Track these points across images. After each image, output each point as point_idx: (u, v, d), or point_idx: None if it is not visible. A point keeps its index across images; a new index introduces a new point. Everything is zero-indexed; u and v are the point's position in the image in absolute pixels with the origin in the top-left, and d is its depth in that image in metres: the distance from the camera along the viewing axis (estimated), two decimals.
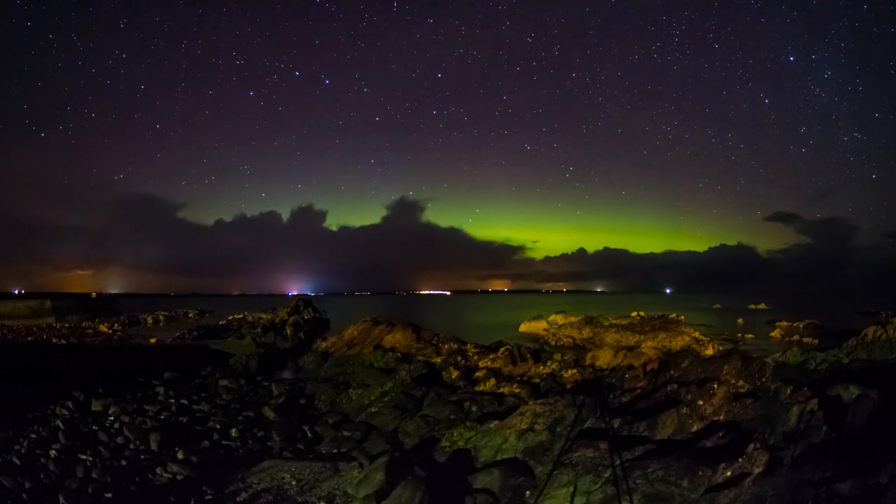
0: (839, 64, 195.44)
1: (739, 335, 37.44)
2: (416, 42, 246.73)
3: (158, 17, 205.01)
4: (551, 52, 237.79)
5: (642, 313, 40.60)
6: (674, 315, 40.08)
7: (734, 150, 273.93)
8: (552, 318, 42.03)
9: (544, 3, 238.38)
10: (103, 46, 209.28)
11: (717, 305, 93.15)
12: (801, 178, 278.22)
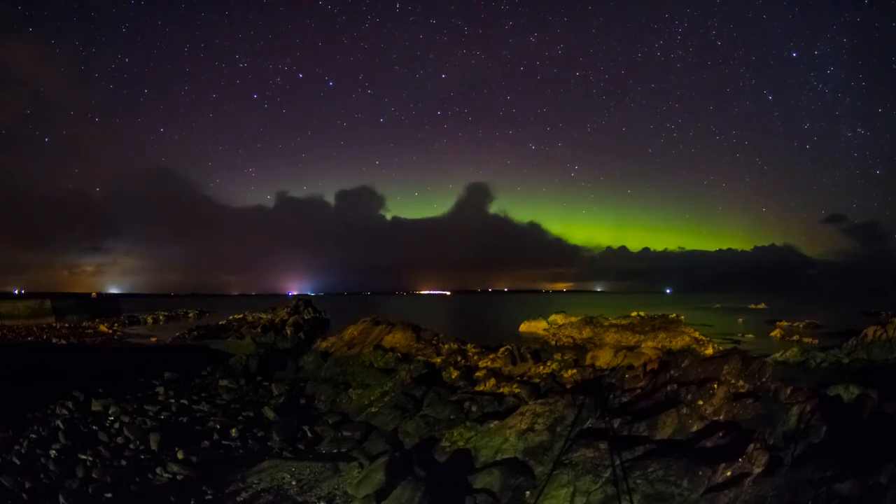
0: (841, 59, 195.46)
1: (739, 335, 37.43)
2: (419, 43, 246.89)
3: (160, 21, 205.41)
4: (554, 52, 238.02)
5: (642, 313, 40.58)
6: (674, 315, 40.04)
7: (738, 147, 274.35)
8: (552, 318, 42.02)
9: (547, 2, 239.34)
10: (105, 51, 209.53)
11: (718, 305, 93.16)
12: (806, 175, 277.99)
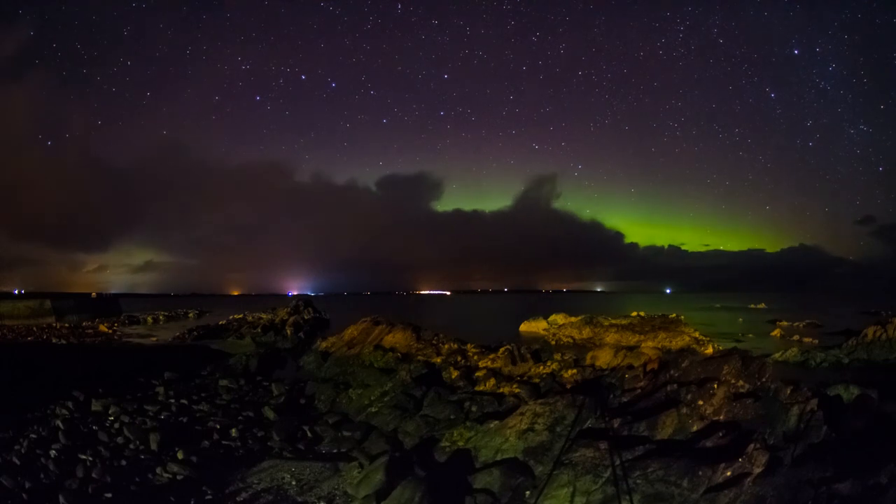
0: (843, 56, 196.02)
1: (739, 335, 37.42)
2: (422, 43, 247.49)
3: (162, 24, 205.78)
4: (557, 51, 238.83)
5: (642, 313, 40.58)
6: (674, 315, 40.04)
7: (741, 145, 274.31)
8: (552, 318, 42.03)
9: (549, 1, 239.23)
10: (108, 54, 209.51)
11: (718, 305, 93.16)
12: (808, 173, 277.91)
